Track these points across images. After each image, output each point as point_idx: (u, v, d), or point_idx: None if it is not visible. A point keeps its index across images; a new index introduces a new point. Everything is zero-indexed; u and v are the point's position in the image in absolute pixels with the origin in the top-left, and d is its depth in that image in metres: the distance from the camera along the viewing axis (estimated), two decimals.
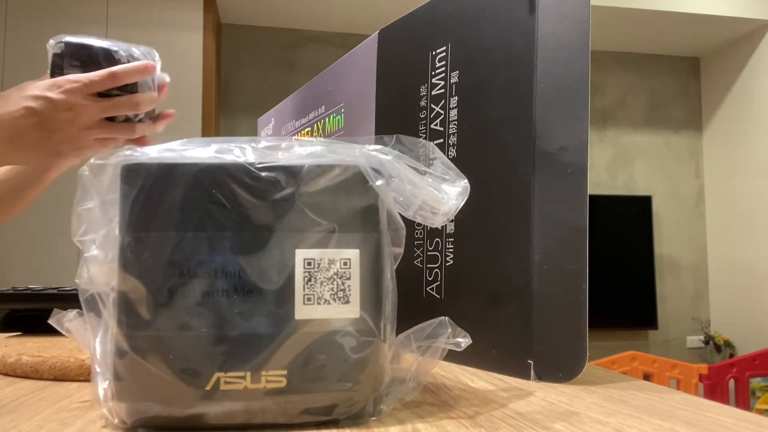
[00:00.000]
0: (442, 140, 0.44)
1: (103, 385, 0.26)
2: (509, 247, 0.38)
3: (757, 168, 3.11)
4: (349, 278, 0.26)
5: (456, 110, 0.43)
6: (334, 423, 0.27)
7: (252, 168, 0.26)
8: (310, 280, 0.26)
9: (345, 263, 0.26)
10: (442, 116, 0.44)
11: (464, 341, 0.28)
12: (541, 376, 0.36)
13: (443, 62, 0.44)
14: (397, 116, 0.49)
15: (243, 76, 3.04)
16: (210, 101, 2.58)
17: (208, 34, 2.59)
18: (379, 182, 0.27)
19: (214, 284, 0.25)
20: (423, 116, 0.46)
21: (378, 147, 0.28)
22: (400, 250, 0.29)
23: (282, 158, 0.26)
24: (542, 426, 0.27)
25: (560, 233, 0.36)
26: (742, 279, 3.19)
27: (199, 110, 2.54)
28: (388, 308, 0.27)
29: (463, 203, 0.29)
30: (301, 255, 0.26)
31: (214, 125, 2.64)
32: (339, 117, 0.58)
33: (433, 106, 0.45)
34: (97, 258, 0.26)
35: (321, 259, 0.26)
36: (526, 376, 0.37)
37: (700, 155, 3.50)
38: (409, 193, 0.28)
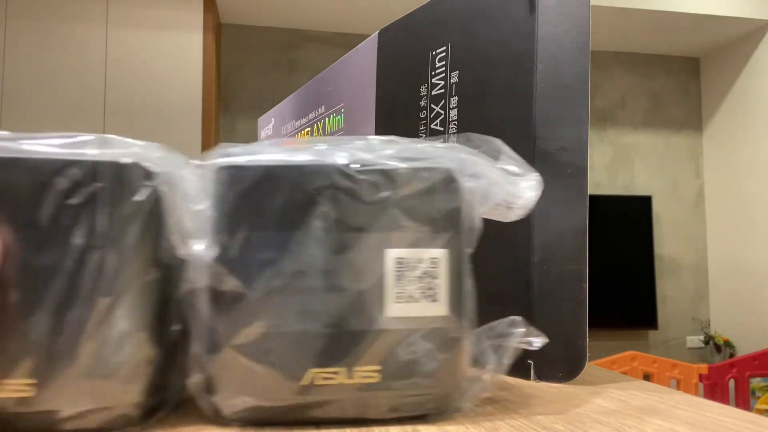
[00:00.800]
0: (442, 140, 0.44)
1: (198, 380, 0.27)
2: (509, 247, 0.38)
3: (757, 168, 3.11)
4: (436, 277, 0.27)
5: (456, 110, 0.43)
6: (422, 418, 0.27)
7: (349, 170, 0.27)
8: (400, 278, 0.27)
9: (433, 262, 0.27)
10: (442, 116, 0.44)
11: (538, 340, 0.29)
12: (541, 376, 0.36)
13: (443, 62, 0.44)
14: (397, 116, 0.49)
15: (243, 76, 3.04)
16: (210, 101, 2.58)
17: (208, 34, 2.59)
18: (466, 183, 0.28)
19: (309, 282, 0.26)
20: (423, 116, 0.46)
21: (456, 146, 0.29)
22: (470, 250, 0.29)
23: (378, 160, 0.27)
24: (542, 426, 0.27)
25: (560, 233, 0.36)
26: (742, 279, 3.19)
27: (199, 110, 2.54)
28: (469, 306, 0.28)
29: (538, 197, 0.29)
30: (391, 254, 0.27)
31: (214, 125, 2.64)
32: (339, 117, 0.58)
33: (433, 106, 0.45)
34: (197, 257, 0.27)
35: (410, 259, 0.27)
36: (526, 376, 0.37)
37: (700, 155, 3.50)
38: (490, 190, 0.29)
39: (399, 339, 0.26)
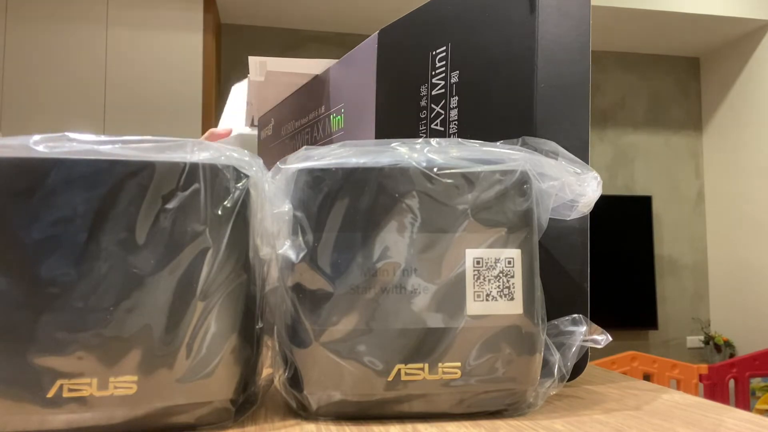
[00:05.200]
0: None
1: (286, 375, 0.28)
2: None
3: (757, 168, 3.11)
4: (513, 276, 0.28)
5: (456, 110, 0.43)
6: (500, 414, 0.28)
7: (432, 173, 0.27)
8: (479, 278, 0.27)
9: (509, 262, 0.28)
10: (443, 116, 0.44)
11: (603, 338, 0.30)
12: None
13: (443, 62, 0.44)
14: (398, 116, 0.49)
15: (243, 76, 3.03)
16: (210, 101, 2.58)
17: (208, 34, 2.59)
18: (541, 185, 0.29)
19: (394, 282, 0.27)
20: (423, 116, 0.46)
21: (519, 148, 0.30)
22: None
23: (458, 163, 0.28)
24: (542, 426, 0.27)
25: (560, 233, 0.36)
26: (742, 279, 3.19)
27: (200, 110, 2.54)
28: (540, 305, 0.29)
29: (598, 196, 0.30)
30: (470, 254, 0.27)
31: (214, 125, 2.64)
32: (339, 117, 0.58)
33: (433, 106, 0.45)
34: (283, 257, 0.28)
35: (488, 258, 0.27)
36: None
37: (700, 155, 3.50)
38: (560, 190, 0.30)
39: (479, 336, 0.27)
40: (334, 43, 3.14)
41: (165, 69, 2.52)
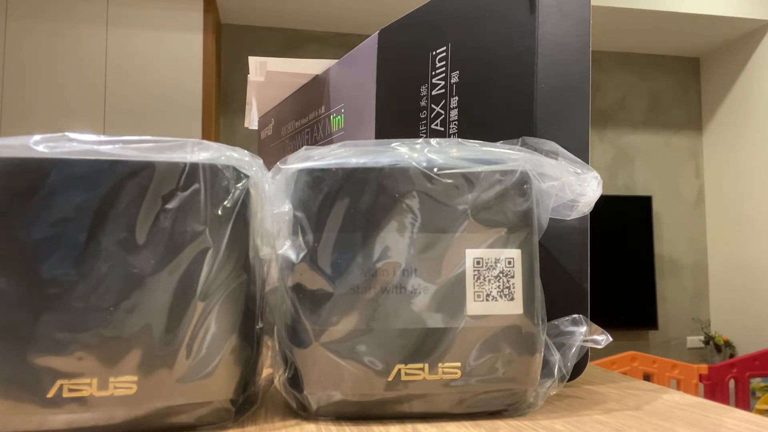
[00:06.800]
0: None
1: (286, 375, 0.28)
2: None
3: (757, 168, 3.11)
4: (513, 276, 0.28)
5: (456, 110, 0.43)
6: (500, 414, 0.28)
7: (432, 173, 0.28)
8: (479, 278, 0.27)
9: (509, 262, 0.28)
10: (443, 116, 0.44)
11: (603, 338, 0.30)
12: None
13: (443, 62, 0.44)
14: (398, 116, 0.49)
15: (243, 76, 3.04)
16: (210, 101, 2.58)
17: (208, 34, 2.59)
18: (541, 185, 0.29)
19: (394, 282, 0.27)
20: (423, 116, 0.46)
21: (519, 148, 0.30)
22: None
23: (458, 163, 0.28)
24: (542, 426, 0.27)
25: (560, 233, 0.36)
26: (742, 279, 3.19)
27: (199, 110, 2.54)
28: (540, 305, 0.29)
29: (599, 196, 0.30)
30: (470, 254, 0.27)
31: (214, 125, 2.64)
32: (339, 117, 0.58)
33: (433, 106, 0.45)
34: (283, 258, 0.28)
35: (488, 259, 0.28)
36: None
37: (700, 155, 3.50)
38: (560, 190, 0.30)
39: (479, 336, 0.27)
40: (334, 43, 3.14)
41: (165, 69, 2.52)
